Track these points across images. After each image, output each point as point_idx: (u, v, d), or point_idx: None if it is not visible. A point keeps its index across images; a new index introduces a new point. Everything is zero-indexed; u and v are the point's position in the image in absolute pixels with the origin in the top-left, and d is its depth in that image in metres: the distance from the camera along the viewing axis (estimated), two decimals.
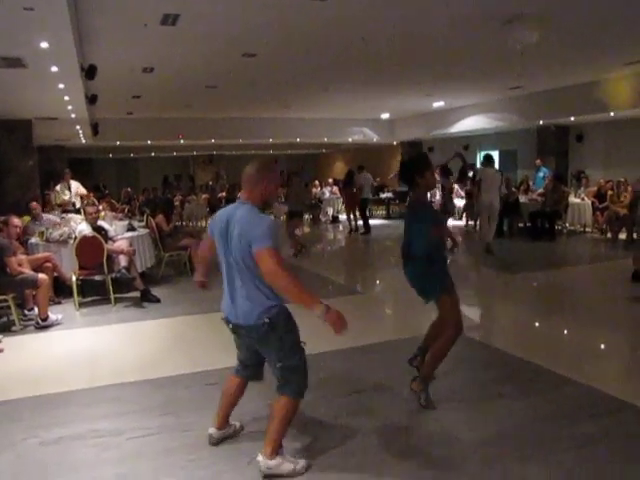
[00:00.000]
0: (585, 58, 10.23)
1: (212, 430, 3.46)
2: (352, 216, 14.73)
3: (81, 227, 7.39)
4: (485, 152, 17.56)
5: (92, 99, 10.55)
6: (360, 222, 14.55)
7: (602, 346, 5.47)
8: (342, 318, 2.90)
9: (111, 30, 7.21)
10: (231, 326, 3.18)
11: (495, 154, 17.85)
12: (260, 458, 3.08)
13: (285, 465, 3.08)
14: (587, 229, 13.24)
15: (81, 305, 7.14)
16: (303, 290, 2.87)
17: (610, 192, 12.53)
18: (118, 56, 8.69)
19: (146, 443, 3.49)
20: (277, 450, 3.09)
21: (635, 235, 10.91)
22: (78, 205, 12.24)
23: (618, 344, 5.52)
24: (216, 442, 3.45)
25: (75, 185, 13.09)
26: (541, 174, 14.24)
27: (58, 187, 12.95)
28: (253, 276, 2.98)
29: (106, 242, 7.22)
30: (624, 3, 6.93)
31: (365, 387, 4.29)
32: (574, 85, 13.09)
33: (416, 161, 4.05)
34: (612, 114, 13.20)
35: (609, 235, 12.02)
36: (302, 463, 3.14)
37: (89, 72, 8.08)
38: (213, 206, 16.95)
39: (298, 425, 3.53)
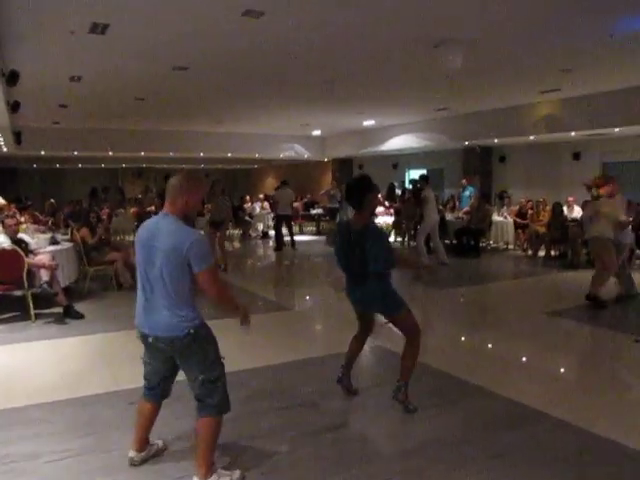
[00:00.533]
0: (505, 84, 10.78)
1: (132, 453, 3.36)
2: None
3: None
4: (420, 172, 18.17)
5: (14, 106, 10.14)
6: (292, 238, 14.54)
7: (522, 359, 5.70)
8: (247, 317, 3.23)
9: (36, 35, 6.97)
10: (150, 340, 3.08)
11: (423, 172, 18.42)
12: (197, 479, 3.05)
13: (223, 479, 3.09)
14: (509, 246, 13.82)
15: None
16: (233, 304, 3.17)
17: (530, 211, 13.15)
18: (43, 63, 8.41)
19: (65, 466, 3.34)
20: (211, 469, 3.07)
21: (555, 253, 11.47)
22: None
23: (537, 357, 5.76)
24: (138, 464, 3.35)
25: None
26: (467, 193, 14.76)
27: None
28: (180, 289, 2.95)
29: (27, 255, 6.92)
30: (540, 39, 7.46)
31: (292, 403, 4.29)
32: (497, 109, 13.76)
33: (364, 183, 4.12)
34: (532, 137, 13.92)
35: (530, 252, 12.59)
36: (237, 474, 3.16)
37: (10, 78, 7.76)
38: (142, 219, 16.54)
39: (227, 439, 3.49)
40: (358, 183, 4.17)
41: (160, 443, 3.54)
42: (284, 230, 14.50)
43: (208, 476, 3.05)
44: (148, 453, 3.42)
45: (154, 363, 3.24)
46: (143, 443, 3.39)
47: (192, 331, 2.96)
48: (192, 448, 3.34)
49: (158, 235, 2.95)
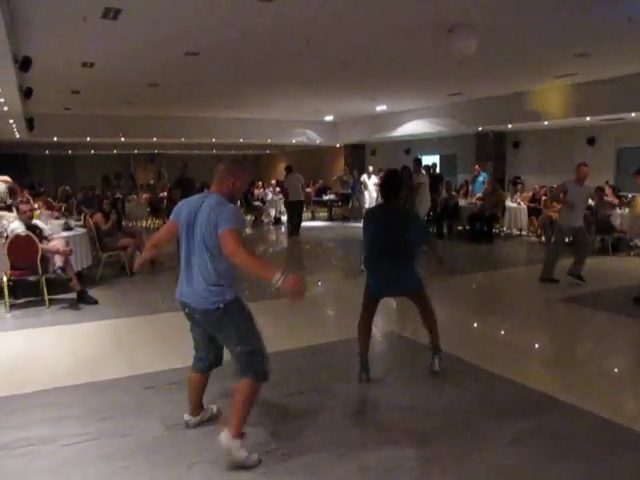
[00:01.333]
0: (520, 69, 10.65)
1: (187, 417, 3.60)
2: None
3: (14, 225, 7.09)
4: (433, 158, 18.04)
5: (27, 93, 10.17)
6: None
7: (537, 345, 5.67)
8: (300, 283, 2.91)
9: (48, 21, 6.97)
10: (187, 310, 3.26)
11: (436, 158, 18.31)
12: (223, 435, 3.14)
13: (241, 452, 3.15)
14: (523, 232, 13.72)
15: (12, 307, 6.86)
16: (261, 264, 3.04)
17: (544, 197, 13.03)
18: (56, 49, 8.41)
19: (82, 450, 3.37)
20: (239, 433, 3.16)
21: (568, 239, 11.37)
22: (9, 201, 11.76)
23: (552, 343, 5.74)
24: (192, 427, 3.60)
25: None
26: (481, 179, 14.65)
27: None
28: (214, 262, 3.10)
29: (41, 241, 6.97)
30: (555, 23, 7.35)
31: (306, 388, 4.29)
32: (511, 94, 13.59)
33: (400, 178, 4.54)
34: (546, 123, 13.76)
35: (543, 239, 12.50)
36: (255, 457, 3.21)
37: (23, 64, 7.77)
38: (154, 206, 16.61)
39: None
40: (395, 179, 4.49)
41: (214, 409, 3.75)
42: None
43: (236, 438, 3.14)
44: (202, 417, 3.64)
45: (197, 331, 3.41)
46: (197, 408, 3.62)
47: (222, 305, 3.11)
48: (212, 432, 3.38)
49: (200, 210, 3.13)
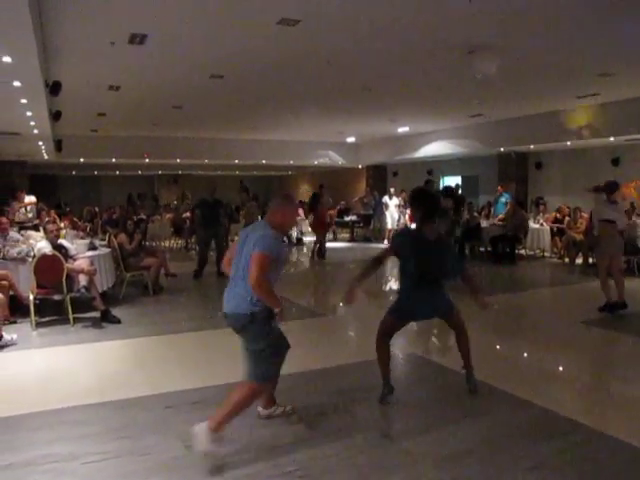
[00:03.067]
0: (541, 90, 10.61)
1: (259, 408, 3.96)
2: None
3: (41, 245, 7.25)
4: (455, 179, 18.01)
5: (56, 115, 10.42)
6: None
7: (559, 368, 5.59)
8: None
9: (77, 47, 7.18)
10: (225, 317, 3.65)
11: (458, 179, 18.26)
12: (203, 426, 3.32)
13: (207, 444, 3.30)
14: (546, 253, 13.57)
15: (38, 325, 6.96)
16: (268, 295, 3.46)
17: (567, 218, 12.90)
18: (84, 73, 8.64)
19: (102, 468, 3.40)
20: (217, 428, 3.34)
21: (590, 260, 11.22)
22: (36, 221, 12.05)
23: (573, 366, 5.65)
24: (262, 418, 3.96)
25: (27, 199, 13.03)
26: (503, 199, 14.57)
27: (16, 206, 12.71)
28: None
29: (66, 261, 7.09)
30: (577, 43, 7.37)
31: (327, 409, 4.27)
32: (532, 115, 13.55)
33: (437, 199, 4.69)
34: (569, 143, 13.66)
35: (566, 260, 12.35)
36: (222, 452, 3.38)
37: (53, 88, 7.99)
38: (177, 226, 16.79)
39: (263, 441, 3.50)
40: (431, 197, 4.59)
41: (288, 407, 4.05)
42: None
43: (212, 431, 3.31)
44: (272, 412, 3.99)
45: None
46: (269, 402, 3.98)
47: (250, 313, 3.47)
48: (232, 453, 3.38)
49: (251, 233, 3.61)
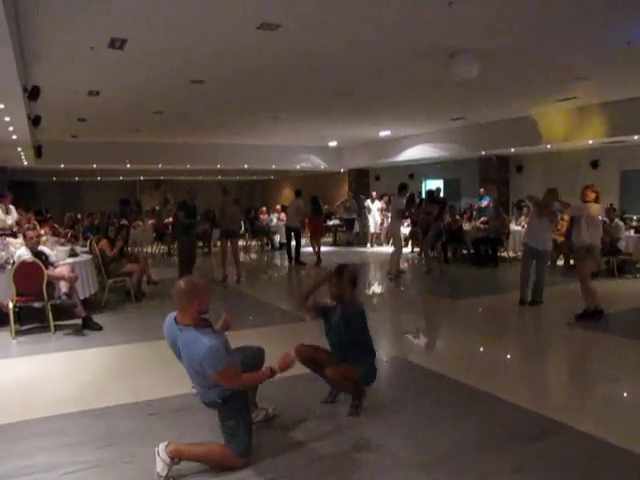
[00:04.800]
0: (521, 93, 10.74)
1: None
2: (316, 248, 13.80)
3: (20, 252, 7.14)
4: (437, 183, 18.15)
5: (35, 121, 10.30)
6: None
7: (542, 370, 5.63)
8: (287, 359, 3.47)
9: (56, 51, 7.12)
10: (196, 394, 3.55)
11: (440, 183, 18.39)
12: (162, 446, 3.25)
13: (164, 470, 3.20)
14: None
15: (18, 333, 6.87)
16: (254, 378, 3.50)
17: None
18: (63, 78, 8.56)
19: (83, 478, 3.35)
20: (178, 458, 3.25)
21: (571, 262, 11.33)
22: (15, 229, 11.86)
23: (556, 368, 5.69)
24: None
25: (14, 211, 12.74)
26: (483, 202, 14.69)
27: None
28: (208, 383, 3.33)
29: (47, 268, 7.00)
30: (556, 47, 7.46)
31: (308, 415, 4.26)
32: (513, 118, 13.70)
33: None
34: (549, 146, 13.83)
35: (548, 262, 12.44)
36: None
37: (32, 93, 7.91)
38: (159, 231, 16.68)
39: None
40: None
41: (270, 409, 4.06)
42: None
43: (172, 456, 3.22)
44: (254, 417, 3.84)
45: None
46: (251, 406, 3.79)
47: (220, 400, 3.37)
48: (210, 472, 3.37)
49: (180, 347, 3.41)
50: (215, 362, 3.16)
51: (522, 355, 6.09)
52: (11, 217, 12.35)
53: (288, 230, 14.25)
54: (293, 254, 13.89)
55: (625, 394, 4.89)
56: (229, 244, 11.08)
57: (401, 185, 11.61)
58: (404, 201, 11.41)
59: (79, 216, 16.48)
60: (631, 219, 12.42)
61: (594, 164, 14.36)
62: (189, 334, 3.26)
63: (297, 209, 13.75)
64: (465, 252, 13.69)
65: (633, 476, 3.33)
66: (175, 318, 3.39)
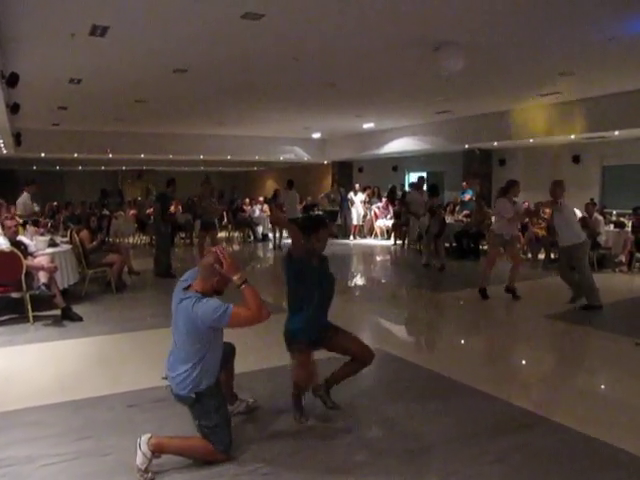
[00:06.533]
0: (505, 88, 10.79)
1: None
2: (277, 234, 15.13)
3: None
4: (420, 175, 18.15)
5: (14, 108, 10.13)
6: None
7: (522, 362, 5.68)
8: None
9: (36, 38, 6.98)
10: (167, 387, 3.46)
11: (423, 175, 18.41)
12: (147, 438, 3.21)
13: (145, 463, 3.16)
14: None
15: None
16: (256, 296, 3.33)
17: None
18: (43, 65, 8.42)
19: (60, 470, 3.31)
20: (158, 452, 3.22)
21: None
22: None
23: (536, 360, 5.75)
24: (232, 415, 3.75)
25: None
26: (467, 196, 14.76)
27: None
28: (194, 356, 3.26)
29: (25, 258, 6.90)
30: (539, 42, 7.49)
31: (290, 406, 4.26)
32: (497, 112, 13.77)
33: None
34: (531, 141, 13.92)
35: (529, 255, 12.56)
36: (149, 476, 3.18)
37: (10, 80, 7.75)
38: (141, 222, 16.55)
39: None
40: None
41: (250, 401, 4.08)
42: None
43: (153, 451, 3.18)
44: (235, 408, 3.95)
45: None
46: (230, 398, 3.91)
47: (194, 395, 3.31)
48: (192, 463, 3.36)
49: (179, 308, 3.34)
50: (222, 310, 3.15)
51: (502, 348, 6.14)
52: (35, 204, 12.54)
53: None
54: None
55: (602, 386, 4.96)
56: (206, 236, 11.12)
57: (392, 189, 11.77)
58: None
59: (57, 205, 16.26)
60: (611, 214, 12.57)
61: (576, 159, 14.48)
62: (195, 296, 3.25)
63: (294, 200, 14.08)
64: (447, 245, 13.75)
65: (608, 466, 3.37)
66: (185, 287, 3.39)
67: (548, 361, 5.81)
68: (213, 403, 3.33)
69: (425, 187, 13.19)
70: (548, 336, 6.66)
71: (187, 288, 3.37)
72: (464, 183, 15.46)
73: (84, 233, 8.77)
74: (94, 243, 8.77)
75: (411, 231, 13.66)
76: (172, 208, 14.93)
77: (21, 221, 11.58)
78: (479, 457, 3.46)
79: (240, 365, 4.09)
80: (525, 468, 3.34)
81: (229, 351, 3.79)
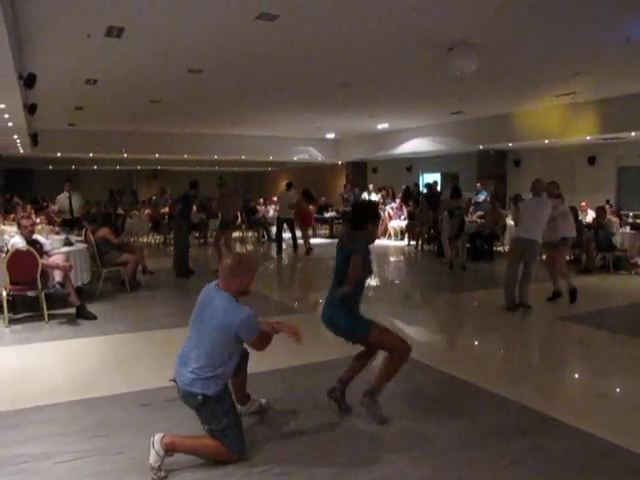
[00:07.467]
0: (520, 88, 10.73)
1: (239, 407, 3.77)
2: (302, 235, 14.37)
3: (14, 240, 7.10)
4: (434, 176, 18.08)
5: (31, 108, 10.24)
6: (301, 241, 14.40)
7: (536, 365, 5.64)
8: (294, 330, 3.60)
9: (53, 39, 7.07)
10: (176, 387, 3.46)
11: (437, 176, 18.35)
12: (157, 437, 3.21)
13: (158, 461, 3.17)
14: None
15: (11, 322, 6.84)
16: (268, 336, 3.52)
17: None
18: (60, 66, 8.51)
19: (75, 467, 3.34)
20: (171, 450, 3.22)
21: (569, 257, 11.34)
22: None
23: (551, 363, 5.70)
24: (245, 415, 3.84)
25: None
26: (482, 196, 14.68)
27: None
28: (213, 356, 3.28)
29: (41, 256, 6.97)
30: (555, 43, 7.46)
31: (305, 406, 4.26)
32: (511, 113, 13.70)
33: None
34: (546, 142, 13.81)
35: (544, 257, 12.44)
36: (162, 474, 3.19)
37: (28, 81, 7.84)
38: (156, 222, 16.63)
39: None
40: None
41: (263, 401, 4.08)
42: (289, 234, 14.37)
43: (166, 449, 3.19)
44: (248, 408, 3.99)
45: None
46: (243, 399, 3.97)
47: (201, 397, 3.30)
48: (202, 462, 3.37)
49: (211, 307, 3.35)
50: (253, 328, 3.30)
51: (516, 350, 6.10)
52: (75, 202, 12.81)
53: (280, 221, 14.28)
54: (291, 243, 14.10)
55: (617, 390, 4.91)
56: (223, 235, 11.15)
57: (407, 188, 11.71)
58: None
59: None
60: (627, 215, 12.45)
61: (591, 160, 14.36)
62: (228, 298, 3.32)
63: (288, 201, 13.87)
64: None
65: (623, 470, 3.34)
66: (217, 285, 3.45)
67: (563, 364, 5.75)
68: (221, 407, 3.32)
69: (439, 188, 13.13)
70: (563, 338, 6.60)
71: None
72: (478, 184, 15.37)
73: (106, 230, 8.81)
74: (119, 238, 8.87)
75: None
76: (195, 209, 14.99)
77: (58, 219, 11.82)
78: (492, 461, 3.43)
79: (253, 366, 4.10)
80: (540, 472, 3.31)
81: (243, 357, 3.80)
